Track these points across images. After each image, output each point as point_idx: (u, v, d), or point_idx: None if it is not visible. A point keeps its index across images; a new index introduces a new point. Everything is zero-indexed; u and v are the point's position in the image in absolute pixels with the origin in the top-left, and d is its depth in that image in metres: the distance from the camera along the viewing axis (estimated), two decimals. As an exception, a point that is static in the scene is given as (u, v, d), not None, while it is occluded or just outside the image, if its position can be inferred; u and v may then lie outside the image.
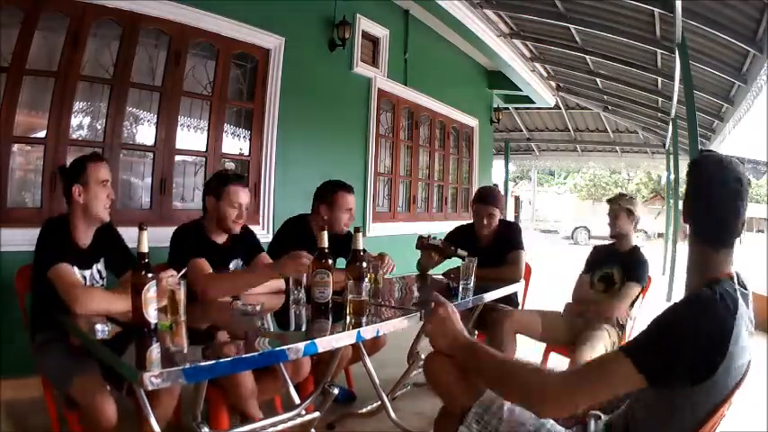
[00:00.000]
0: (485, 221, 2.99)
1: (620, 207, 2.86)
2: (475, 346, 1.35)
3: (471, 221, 3.13)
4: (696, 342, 1.09)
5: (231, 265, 2.39)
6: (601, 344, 2.56)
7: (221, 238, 2.34)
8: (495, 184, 8.66)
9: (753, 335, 1.21)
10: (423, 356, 2.46)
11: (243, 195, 2.28)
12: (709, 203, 1.21)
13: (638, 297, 2.75)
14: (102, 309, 1.81)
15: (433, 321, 1.41)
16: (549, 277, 6.42)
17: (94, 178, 1.98)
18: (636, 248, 2.85)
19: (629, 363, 1.11)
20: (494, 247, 3.00)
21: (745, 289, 1.21)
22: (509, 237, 3.03)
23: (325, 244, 1.95)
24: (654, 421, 1.22)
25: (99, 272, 2.08)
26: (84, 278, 2.00)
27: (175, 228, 2.32)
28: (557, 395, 1.16)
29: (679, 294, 4.12)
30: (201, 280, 2.06)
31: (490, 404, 1.30)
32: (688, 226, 1.25)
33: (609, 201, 2.95)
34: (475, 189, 6.97)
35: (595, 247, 3.09)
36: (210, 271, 2.14)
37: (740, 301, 1.15)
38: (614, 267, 2.83)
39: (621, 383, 1.13)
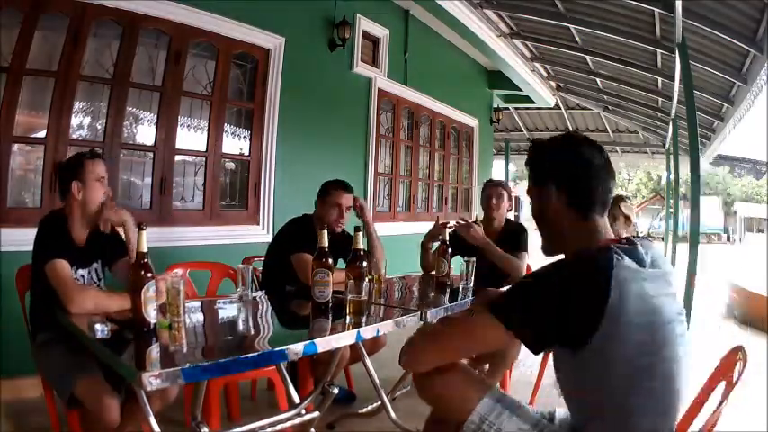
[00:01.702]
0: (494, 201, 3.06)
1: (620, 211, 2.86)
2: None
3: (473, 221, 3.13)
4: (561, 296, 1.09)
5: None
6: None
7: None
8: None
9: (671, 295, 1.19)
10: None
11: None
12: (582, 175, 1.23)
13: None
14: (97, 308, 1.82)
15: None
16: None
17: (92, 175, 1.99)
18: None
19: (490, 317, 1.15)
20: (499, 243, 2.99)
21: (638, 247, 1.17)
22: (514, 237, 3.02)
23: (325, 243, 1.95)
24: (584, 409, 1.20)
25: (96, 271, 2.08)
26: (82, 277, 2.00)
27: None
28: (411, 347, 1.26)
29: (679, 294, 4.13)
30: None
31: (488, 413, 1.28)
32: (553, 208, 1.24)
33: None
34: (475, 189, 6.99)
35: None
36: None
37: (622, 258, 1.11)
38: None
39: (488, 338, 1.19)
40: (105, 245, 2.09)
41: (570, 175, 1.23)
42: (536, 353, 1.17)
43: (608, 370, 1.10)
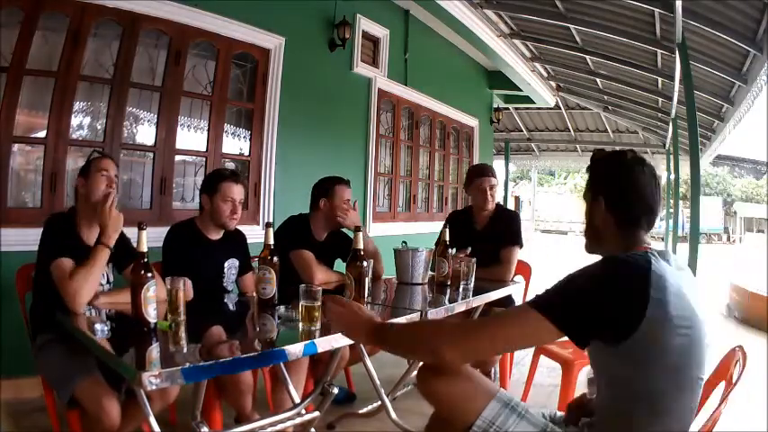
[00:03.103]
0: (488, 195, 2.95)
1: None
2: (385, 324, 1.40)
3: (463, 208, 3.11)
4: (605, 292, 1.14)
5: (226, 265, 2.39)
6: None
7: (216, 235, 2.36)
8: None
9: (697, 290, 1.25)
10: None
11: (236, 191, 2.31)
12: (631, 191, 1.31)
13: None
14: (104, 303, 1.83)
15: (334, 317, 1.45)
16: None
17: (94, 168, 2.01)
18: None
19: (537, 314, 1.17)
20: (490, 231, 2.96)
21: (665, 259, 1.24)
22: (507, 228, 2.97)
23: (360, 245, 1.94)
24: (619, 403, 1.22)
25: (106, 274, 2.07)
26: None
27: (170, 226, 2.35)
28: (452, 337, 1.22)
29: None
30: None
31: (494, 418, 1.27)
32: (601, 216, 1.32)
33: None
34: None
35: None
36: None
37: (659, 261, 1.19)
38: None
39: (540, 333, 1.19)
40: (118, 248, 2.08)
41: (619, 195, 1.31)
42: (582, 347, 1.22)
43: (654, 360, 1.14)
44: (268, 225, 2.02)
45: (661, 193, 1.33)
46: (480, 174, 3.01)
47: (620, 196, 1.31)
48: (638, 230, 1.30)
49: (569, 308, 1.17)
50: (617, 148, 1.41)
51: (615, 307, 1.13)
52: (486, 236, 2.94)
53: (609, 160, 1.37)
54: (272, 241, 2.00)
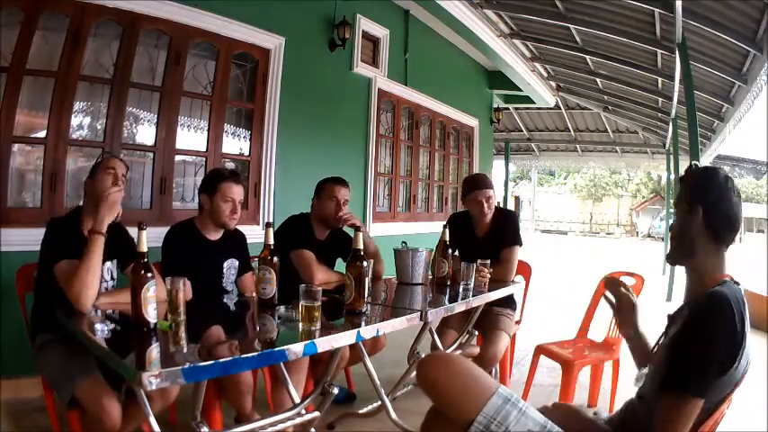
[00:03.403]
0: (485, 208, 2.92)
1: None
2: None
3: (464, 211, 3.10)
4: (723, 345, 1.18)
5: (225, 265, 2.40)
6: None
7: (215, 236, 2.35)
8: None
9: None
10: (423, 356, 2.48)
11: (236, 191, 2.31)
12: (727, 208, 1.33)
13: None
14: (105, 303, 1.84)
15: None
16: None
17: (101, 167, 2.02)
18: None
19: (697, 400, 1.18)
20: (490, 236, 2.96)
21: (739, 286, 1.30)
22: (506, 228, 2.96)
23: (360, 245, 1.93)
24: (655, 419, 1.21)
25: (110, 271, 2.07)
26: None
27: (169, 227, 2.35)
28: None
29: (679, 294, 4.11)
30: None
31: (495, 414, 1.26)
32: (696, 227, 1.33)
33: None
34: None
35: None
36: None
37: (743, 298, 1.25)
38: None
39: (692, 415, 1.19)
40: (120, 246, 2.08)
41: (720, 211, 1.33)
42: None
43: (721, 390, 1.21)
44: (268, 225, 2.02)
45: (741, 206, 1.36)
46: (474, 187, 2.96)
47: (721, 212, 1.33)
48: (725, 249, 1.34)
49: (708, 374, 1.19)
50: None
51: (729, 351, 1.19)
52: (488, 241, 2.94)
53: (711, 174, 1.37)
54: (272, 241, 2.00)
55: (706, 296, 1.23)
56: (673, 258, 1.41)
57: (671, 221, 1.45)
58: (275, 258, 1.98)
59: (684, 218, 1.36)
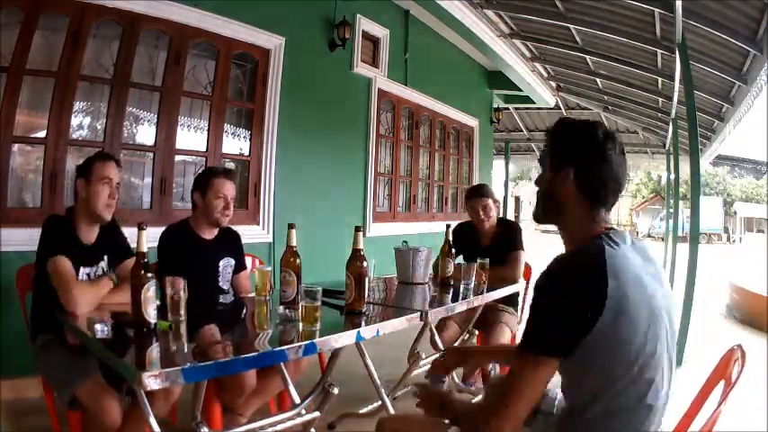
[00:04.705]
0: (482, 215, 3.03)
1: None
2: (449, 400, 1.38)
3: (467, 221, 3.15)
4: (570, 298, 1.10)
5: (221, 264, 2.39)
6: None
7: (209, 235, 2.35)
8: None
9: (659, 274, 1.21)
10: (423, 356, 2.49)
11: (229, 187, 2.30)
12: (605, 170, 1.22)
13: None
14: (94, 303, 1.85)
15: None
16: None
17: (97, 175, 1.98)
18: None
19: (535, 357, 1.12)
20: (495, 245, 3.02)
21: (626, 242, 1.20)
22: (509, 236, 3.05)
23: (360, 245, 1.92)
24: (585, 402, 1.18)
25: (103, 270, 2.07)
26: (87, 276, 1.99)
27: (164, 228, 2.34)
28: (498, 416, 1.14)
29: (679, 294, 4.11)
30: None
31: None
32: (566, 189, 1.24)
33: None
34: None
35: None
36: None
37: (616, 246, 1.15)
38: None
39: (546, 374, 1.14)
40: (113, 244, 2.09)
41: (592, 169, 1.23)
42: (567, 357, 1.14)
43: (610, 357, 1.11)
44: (291, 226, 1.96)
45: (625, 168, 1.25)
46: (471, 196, 3.12)
47: (593, 170, 1.22)
48: (602, 208, 1.23)
49: (553, 332, 1.12)
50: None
51: (578, 307, 1.09)
52: (492, 250, 2.97)
53: (582, 130, 1.25)
54: (294, 243, 1.96)
55: (547, 269, 1.16)
56: (537, 218, 1.33)
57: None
58: (298, 260, 1.96)
59: (553, 177, 1.26)
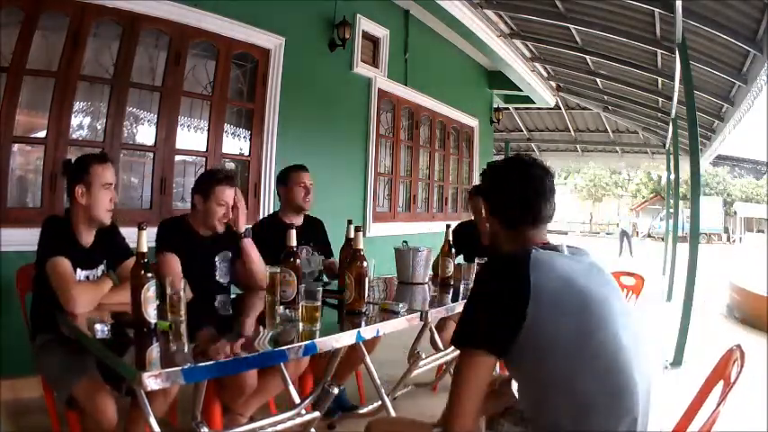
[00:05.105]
0: (484, 214, 3.01)
1: None
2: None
3: (468, 221, 3.14)
4: (496, 294, 1.18)
5: (217, 258, 2.39)
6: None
7: (207, 232, 2.35)
8: None
9: (601, 276, 1.25)
10: (423, 356, 2.49)
11: (229, 194, 2.30)
12: (508, 192, 1.38)
13: None
14: (93, 303, 1.85)
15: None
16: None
17: (98, 181, 1.94)
18: None
19: (471, 350, 1.17)
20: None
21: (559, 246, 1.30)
22: None
23: (360, 245, 1.94)
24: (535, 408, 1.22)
25: (103, 272, 2.06)
26: (86, 278, 1.99)
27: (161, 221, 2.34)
28: (453, 415, 1.16)
29: (679, 294, 4.10)
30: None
31: None
32: (489, 219, 1.41)
33: None
34: (475, 189, 6.93)
35: None
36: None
37: (542, 252, 1.22)
38: None
39: (484, 369, 1.17)
40: (112, 247, 2.08)
41: (497, 199, 1.40)
42: (502, 356, 1.19)
43: (547, 354, 1.14)
44: (290, 227, 1.99)
45: (548, 186, 1.35)
46: (474, 194, 3.10)
47: (498, 200, 1.39)
48: (524, 228, 1.34)
49: (482, 325, 1.17)
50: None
51: (504, 305, 1.16)
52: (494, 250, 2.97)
53: (489, 168, 1.46)
54: (294, 243, 1.98)
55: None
56: (490, 250, 1.49)
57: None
58: (297, 261, 1.98)
59: (485, 215, 1.44)
